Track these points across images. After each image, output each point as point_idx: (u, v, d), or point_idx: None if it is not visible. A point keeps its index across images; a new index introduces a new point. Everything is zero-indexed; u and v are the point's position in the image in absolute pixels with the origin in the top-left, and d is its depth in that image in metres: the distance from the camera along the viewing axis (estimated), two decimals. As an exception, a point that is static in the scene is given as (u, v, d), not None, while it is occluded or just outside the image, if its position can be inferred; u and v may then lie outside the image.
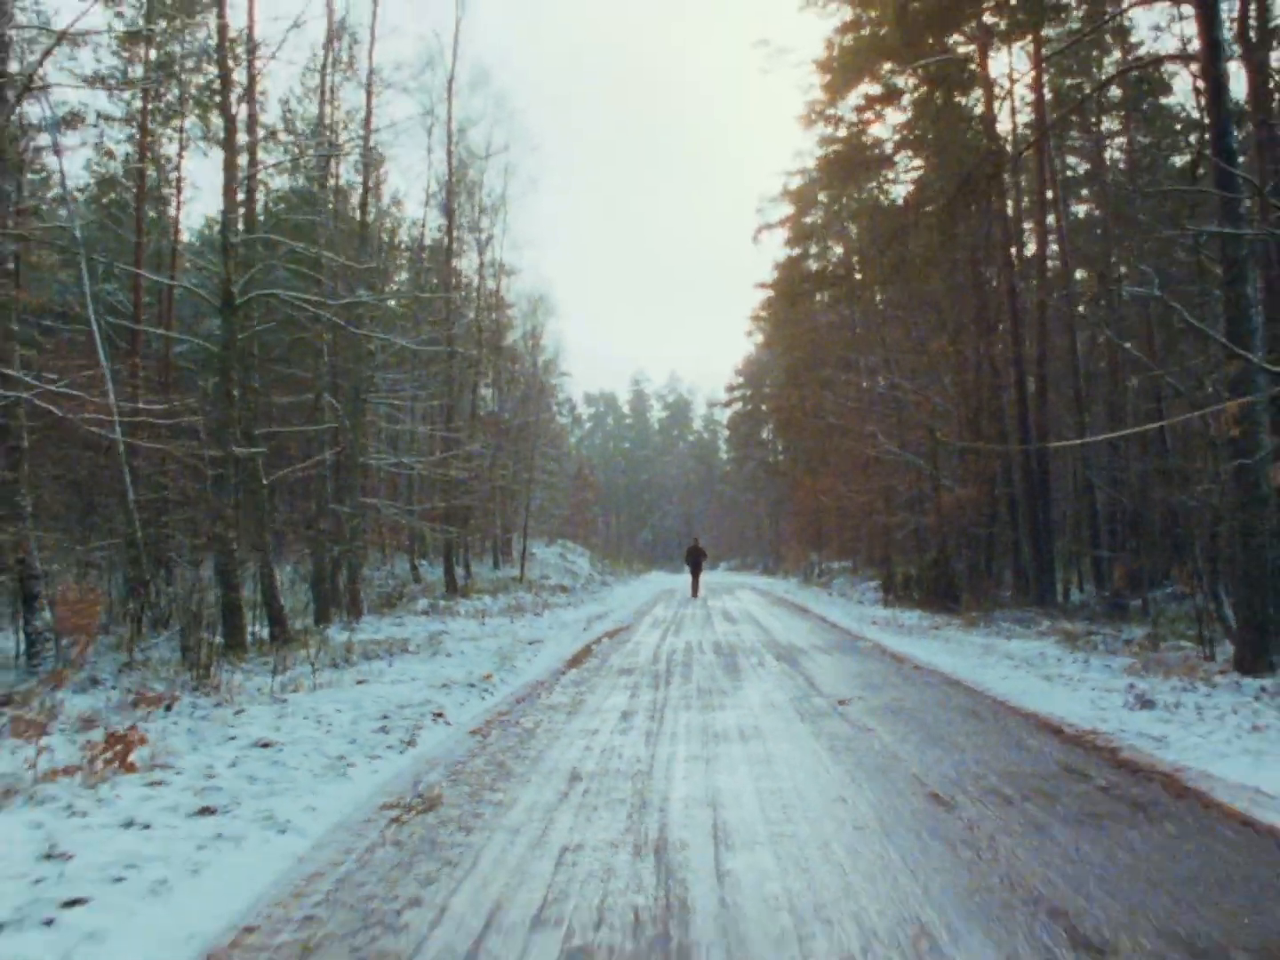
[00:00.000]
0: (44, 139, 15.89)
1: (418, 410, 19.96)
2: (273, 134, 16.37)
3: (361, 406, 15.67)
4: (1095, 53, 18.61)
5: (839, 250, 30.61)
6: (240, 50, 12.29)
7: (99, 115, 17.52)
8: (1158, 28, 17.90)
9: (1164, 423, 13.62)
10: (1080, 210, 22.74)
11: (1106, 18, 14.97)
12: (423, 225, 24.80)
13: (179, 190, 19.43)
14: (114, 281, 18.56)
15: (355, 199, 18.38)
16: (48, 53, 8.06)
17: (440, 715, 6.39)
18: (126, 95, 17.34)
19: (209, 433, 12.08)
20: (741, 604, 20.50)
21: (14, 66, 8.87)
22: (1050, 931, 2.76)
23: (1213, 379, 13.10)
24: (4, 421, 8.88)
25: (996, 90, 17.43)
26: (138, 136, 17.75)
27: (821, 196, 28.07)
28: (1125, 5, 14.59)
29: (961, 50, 17.43)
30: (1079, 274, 20.83)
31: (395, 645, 10.71)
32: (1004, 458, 17.09)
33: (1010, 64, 18.11)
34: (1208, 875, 3.26)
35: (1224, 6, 14.35)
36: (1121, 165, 20.38)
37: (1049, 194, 18.00)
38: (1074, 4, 16.21)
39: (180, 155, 19.01)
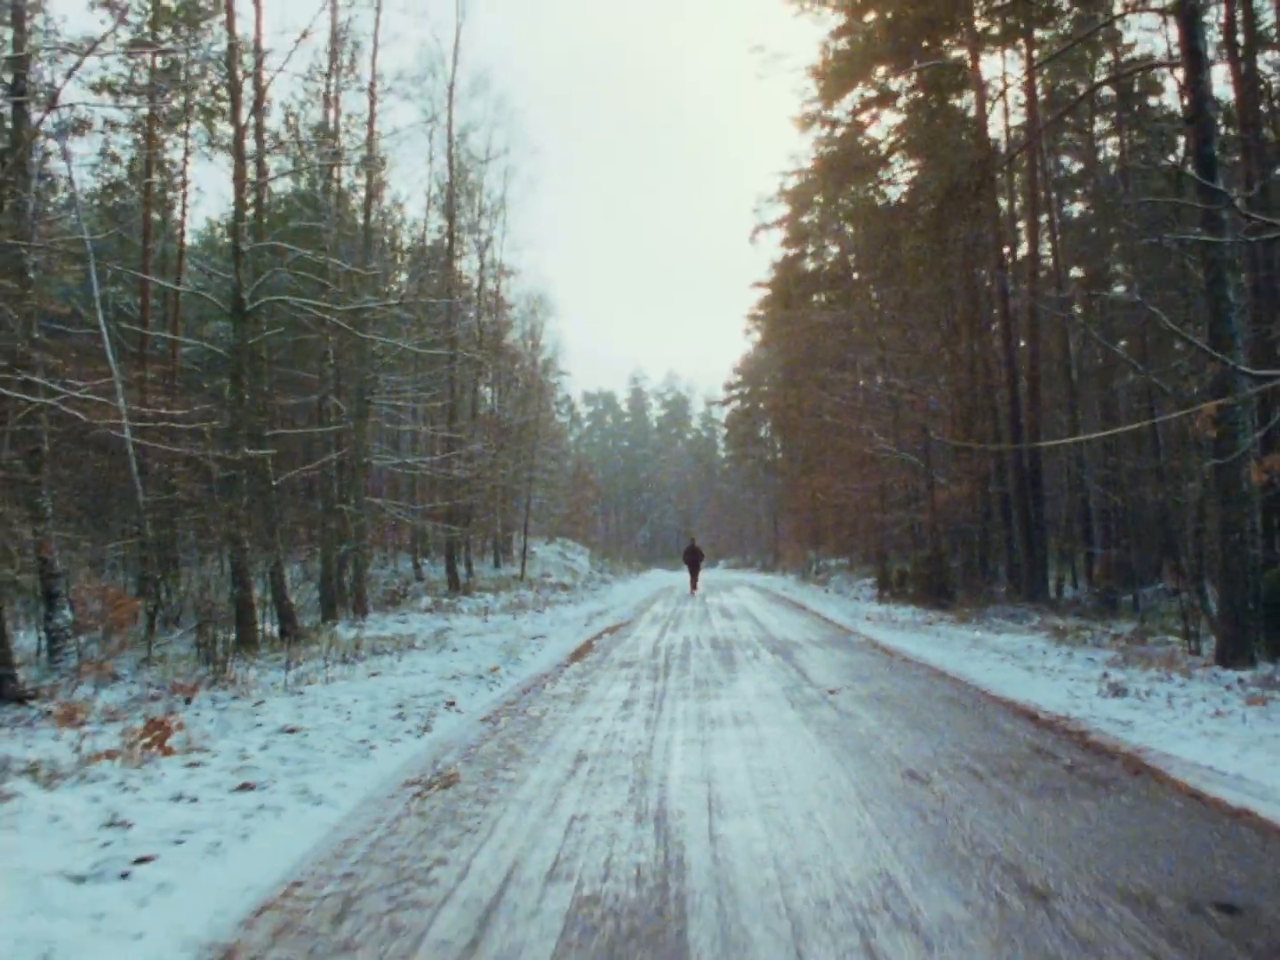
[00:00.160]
0: (51, 145, 16.21)
1: (419, 411, 20.31)
2: (280, 143, 16.67)
3: (366, 408, 16.03)
4: (1088, 54, 18.91)
5: (835, 250, 30.96)
6: (248, 60, 12.65)
7: (106, 121, 17.87)
8: (1149, 29, 18.26)
9: (1148, 422, 13.99)
10: (1075, 209, 23.01)
11: (1098, 24, 15.30)
12: (424, 227, 25.22)
13: (184, 195, 19.78)
14: (120, 284, 18.92)
15: (355, 201, 18.73)
16: (71, 72, 8.42)
17: (452, 704, 6.78)
18: (133, 101, 17.66)
19: (220, 435, 12.42)
20: (739, 601, 20.89)
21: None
22: (1002, 881, 3.14)
23: (1196, 379, 13.48)
24: (29, 428, 9.22)
25: (990, 92, 17.77)
26: (143, 142, 18.11)
27: (818, 198, 28.39)
28: (1110, 17, 14.89)
29: (954, 54, 17.78)
30: (1073, 272, 21.14)
31: (402, 641, 11.08)
32: (997, 456, 17.44)
33: (1004, 67, 18.42)
34: (1150, 838, 3.64)
35: (1214, 10, 14.74)
36: (1114, 165, 20.64)
37: (1041, 194, 18.34)
38: (1065, 7, 16.57)
39: (185, 160, 19.37)
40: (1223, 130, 15.97)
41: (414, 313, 18.38)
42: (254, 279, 11.71)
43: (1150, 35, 18.67)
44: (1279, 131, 15.30)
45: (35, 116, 9.79)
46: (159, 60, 17.91)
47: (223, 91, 17.25)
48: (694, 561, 25.04)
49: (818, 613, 17.13)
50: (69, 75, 8.35)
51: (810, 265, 32.89)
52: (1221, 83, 14.68)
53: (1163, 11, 14.41)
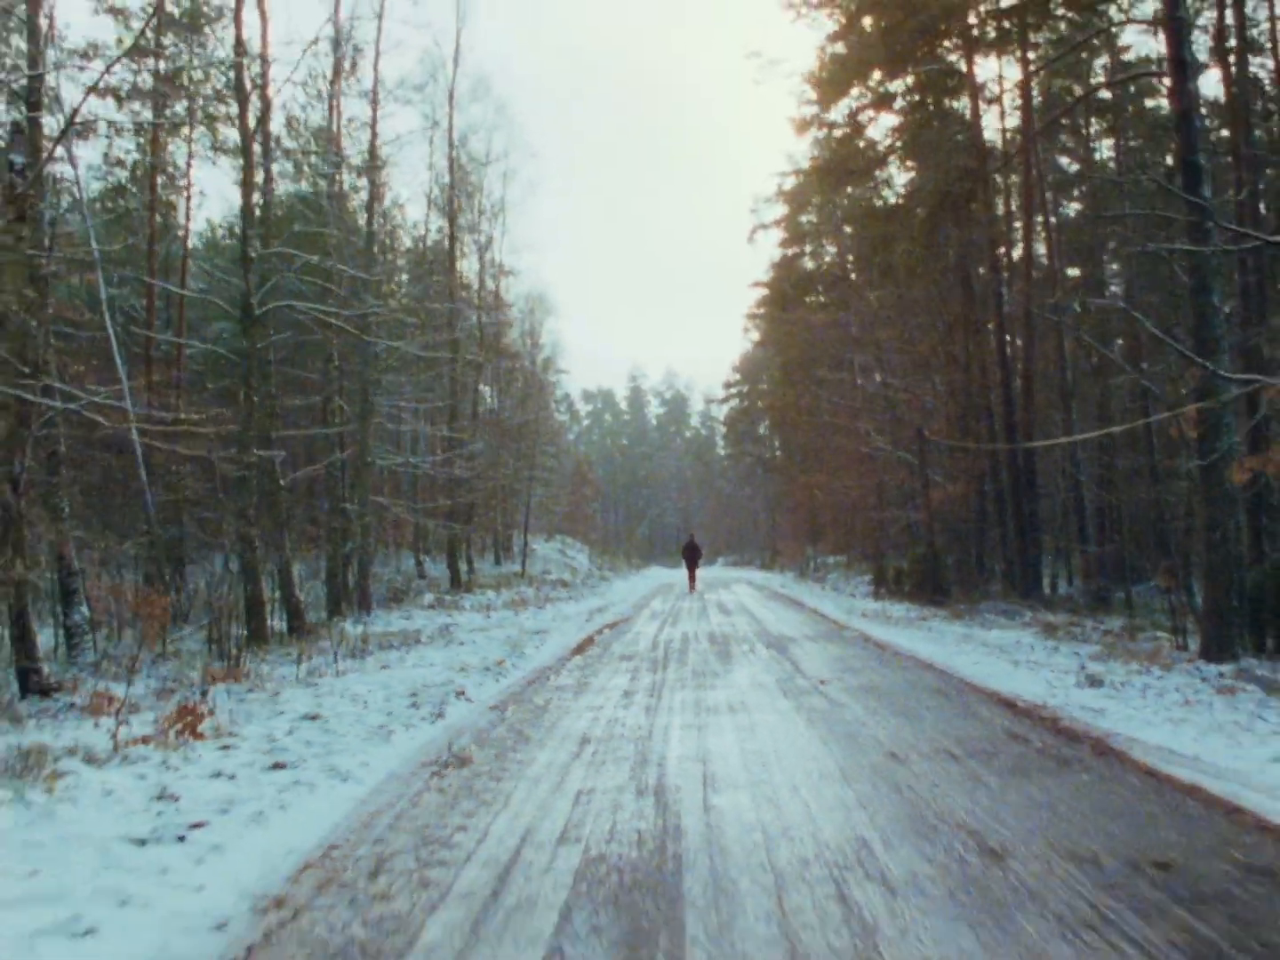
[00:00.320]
0: (59, 150, 16.51)
1: (421, 411, 20.66)
2: (286, 151, 16.99)
3: (370, 409, 16.37)
4: (1085, 55, 19.12)
5: (833, 250, 31.27)
6: (255, 70, 12.96)
7: (109, 125, 18.14)
8: (1144, 31, 18.49)
9: (1140, 423, 14.35)
10: (1072, 209, 23.21)
11: (1093, 31, 15.60)
12: (425, 229, 25.56)
13: (188, 198, 20.08)
14: (125, 286, 19.25)
15: (355, 202, 19.02)
16: (93, 88, 8.75)
17: (462, 693, 7.16)
18: (136, 105, 17.95)
19: (230, 437, 12.77)
20: (737, 597, 21.26)
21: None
22: (964, 844, 3.51)
23: (1183, 382, 13.81)
24: (45, 432, 9.54)
25: (986, 95, 18.04)
26: (147, 146, 18.40)
27: (815, 199, 28.70)
28: (1100, 28, 15.19)
29: (950, 58, 18.05)
30: (1070, 272, 21.40)
31: (408, 636, 11.45)
32: (992, 455, 17.74)
33: (1000, 70, 18.65)
34: (1105, 810, 4.01)
35: (1205, 15, 15.04)
36: (1111, 165, 20.85)
37: (1037, 196, 18.57)
38: (1059, 11, 16.83)
39: (189, 163, 19.66)
40: (1217, 134, 16.27)
41: (417, 316, 18.72)
42: (261, 285, 12.06)
43: (1146, 39, 18.87)
44: (1271, 132, 15.56)
45: (46, 121, 10.13)
46: (163, 65, 18.20)
47: (227, 96, 17.56)
48: (692, 558, 25.40)
49: (814, 609, 17.48)
50: (91, 89, 8.68)
51: (808, 265, 33.21)
52: (1215, 84, 14.99)
53: (1151, 23, 14.76)
